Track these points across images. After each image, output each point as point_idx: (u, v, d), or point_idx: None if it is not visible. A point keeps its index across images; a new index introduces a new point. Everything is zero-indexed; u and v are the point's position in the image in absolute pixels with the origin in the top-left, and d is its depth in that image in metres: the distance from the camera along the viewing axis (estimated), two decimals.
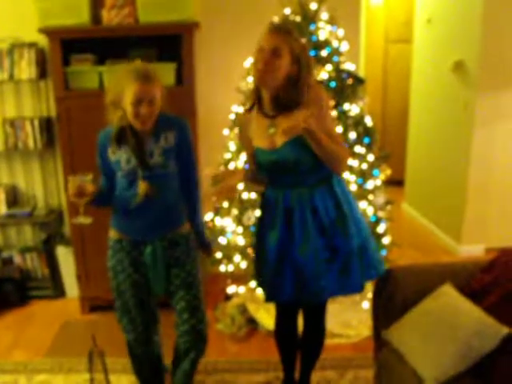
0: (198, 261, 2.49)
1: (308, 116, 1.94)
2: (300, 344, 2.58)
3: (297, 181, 2.19)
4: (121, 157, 2.27)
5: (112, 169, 2.33)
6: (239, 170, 2.40)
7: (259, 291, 3.12)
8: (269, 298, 2.35)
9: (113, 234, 2.43)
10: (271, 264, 2.23)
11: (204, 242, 2.58)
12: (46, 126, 3.78)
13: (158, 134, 2.28)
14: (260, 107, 2.21)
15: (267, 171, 2.24)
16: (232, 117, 3.32)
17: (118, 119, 2.22)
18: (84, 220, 2.24)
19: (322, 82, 3.14)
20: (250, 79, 2.24)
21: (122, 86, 2.17)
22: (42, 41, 3.52)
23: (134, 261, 2.38)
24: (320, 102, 2.10)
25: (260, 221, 2.39)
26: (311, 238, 2.16)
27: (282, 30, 2.10)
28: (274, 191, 2.26)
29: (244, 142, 2.37)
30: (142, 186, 2.25)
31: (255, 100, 2.23)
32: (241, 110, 3.14)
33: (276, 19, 3.08)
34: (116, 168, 2.31)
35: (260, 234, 2.36)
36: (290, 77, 2.09)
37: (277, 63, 2.05)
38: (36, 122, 3.68)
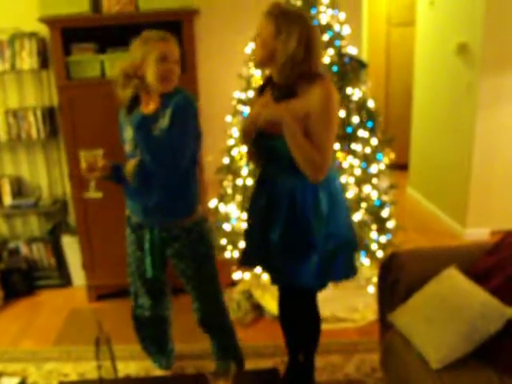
0: (205, 253, 2.44)
1: (282, 109, 2.01)
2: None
3: (283, 170, 2.17)
4: (127, 136, 2.31)
5: None
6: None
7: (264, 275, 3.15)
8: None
9: (127, 209, 2.50)
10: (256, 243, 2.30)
11: None
12: (49, 115, 3.78)
13: (160, 112, 2.20)
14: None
15: (263, 156, 2.26)
16: (234, 103, 3.31)
17: (132, 88, 2.17)
18: (95, 194, 2.30)
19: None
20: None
21: (141, 52, 2.18)
22: (43, 30, 3.51)
23: (138, 239, 2.45)
24: (326, 102, 2.02)
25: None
26: (285, 230, 2.17)
27: (269, 12, 2.08)
28: (264, 173, 2.31)
29: None
30: (128, 165, 2.27)
31: (265, 83, 2.26)
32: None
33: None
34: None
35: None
36: (292, 58, 2.02)
37: (257, 41, 2.11)
38: (39, 112, 3.68)
